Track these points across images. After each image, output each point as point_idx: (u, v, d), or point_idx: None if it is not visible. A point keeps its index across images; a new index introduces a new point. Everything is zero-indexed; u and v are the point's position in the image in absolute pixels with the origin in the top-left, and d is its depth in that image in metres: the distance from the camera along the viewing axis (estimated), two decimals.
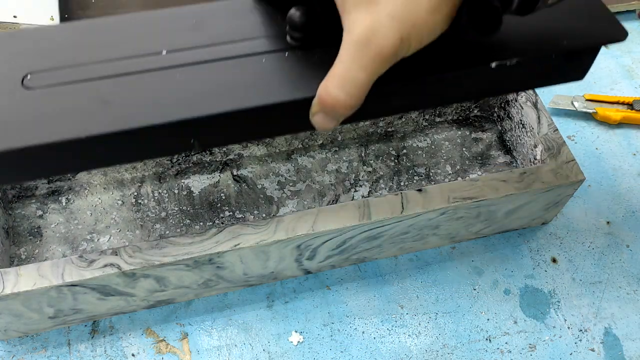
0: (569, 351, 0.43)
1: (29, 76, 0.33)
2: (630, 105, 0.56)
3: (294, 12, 0.33)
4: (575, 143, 0.55)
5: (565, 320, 0.45)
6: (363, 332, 0.43)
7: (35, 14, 0.55)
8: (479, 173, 0.42)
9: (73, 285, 0.36)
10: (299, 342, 0.43)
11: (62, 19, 0.59)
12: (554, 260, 0.48)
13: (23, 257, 0.44)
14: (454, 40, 0.31)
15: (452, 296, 0.45)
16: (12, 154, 0.30)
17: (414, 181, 0.41)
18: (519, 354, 0.43)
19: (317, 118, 0.30)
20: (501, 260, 0.47)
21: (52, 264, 0.37)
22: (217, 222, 0.40)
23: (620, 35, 0.35)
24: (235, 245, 0.38)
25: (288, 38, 0.34)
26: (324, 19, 0.33)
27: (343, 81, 0.28)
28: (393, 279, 0.46)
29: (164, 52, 0.34)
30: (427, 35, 0.28)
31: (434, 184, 0.41)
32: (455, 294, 0.45)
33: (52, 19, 0.55)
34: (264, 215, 0.40)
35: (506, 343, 0.43)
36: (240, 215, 0.39)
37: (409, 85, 0.35)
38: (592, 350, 0.43)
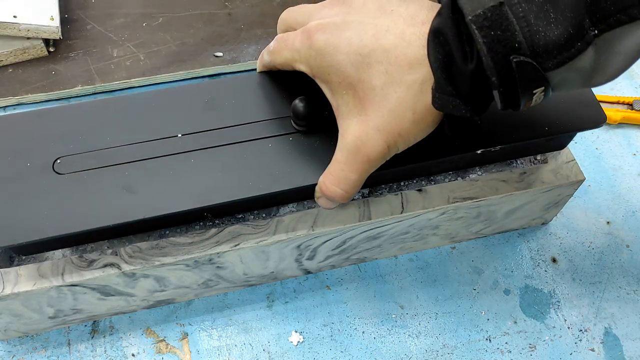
0: (569, 351, 0.43)
1: (59, 160, 0.36)
2: (630, 105, 0.56)
3: (297, 103, 0.36)
4: (575, 143, 0.55)
5: (565, 320, 0.45)
6: (363, 332, 0.43)
7: (35, 14, 0.55)
8: (479, 173, 0.42)
9: (73, 285, 0.36)
10: (299, 342, 0.43)
11: (62, 18, 0.59)
12: (554, 260, 0.48)
13: (23, 257, 0.44)
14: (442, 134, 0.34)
15: (452, 296, 0.45)
16: (44, 241, 0.34)
17: (414, 181, 0.41)
18: (519, 354, 0.43)
19: (320, 201, 0.35)
20: (501, 260, 0.47)
21: (52, 264, 0.37)
22: (217, 222, 0.40)
23: (600, 121, 0.39)
24: (235, 245, 0.38)
25: (292, 123, 0.37)
26: (324, 108, 0.36)
27: (338, 180, 0.33)
28: (393, 279, 0.46)
29: (179, 135, 0.37)
30: (413, 140, 0.32)
31: (434, 184, 0.41)
32: (455, 294, 0.45)
33: (52, 19, 0.55)
34: (263, 215, 0.40)
35: (506, 343, 0.43)
36: (240, 215, 0.39)
37: (401, 171, 0.39)
38: (592, 350, 0.43)
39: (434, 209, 0.40)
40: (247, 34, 0.60)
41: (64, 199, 0.34)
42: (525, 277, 0.46)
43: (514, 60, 0.27)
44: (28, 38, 0.55)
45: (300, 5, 0.37)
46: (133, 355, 0.42)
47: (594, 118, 0.39)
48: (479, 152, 0.37)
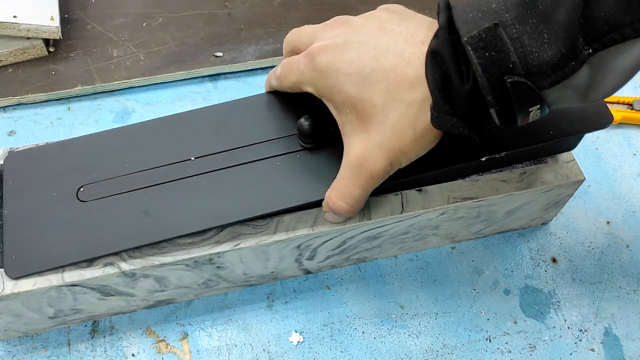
0: (569, 351, 0.43)
1: (82, 189, 0.38)
2: (630, 105, 0.56)
3: (303, 122, 0.37)
4: None
5: (565, 320, 0.45)
6: (363, 332, 0.43)
7: (35, 14, 0.55)
8: (479, 173, 0.42)
9: (73, 285, 0.36)
10: (299, 342, 0.43)
11: (62, 18, 0.59)
12: (554, 260, 0.48)
13: None
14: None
15: (452, 296, 0.45)
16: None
17: None
18: (519, 354, 0.43)
19: (327, 215, 0.37)
20: (501, 260, 0.47)
21: None
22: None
23: (607, 122, 0.39)
24: (235, 245, 0.38)
25: (299, 141, 0.39)
26: (329, 126, 0.38)
27: (343, 195, 0.35)
28: (393, 279, 0.46)
29: (192, 159, 0.39)
30: (414, 156, 0.33)
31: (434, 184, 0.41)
32: (455, 294, 0.45)
33: (52, 19, 0.55)
34: None
35: (506, 343, 0.43)
36: None
37: (407, 181, 0.39)
38: (592, 350, 0.43)
39: (434, 209, 0.40)
40: (247, 34, 0.60)
41: (89, 225, 0.37)
42: (525, 277, 0.46)
43: (509, 80, 0.28)
44: (28, 38, 0.55)
45: (304, 26, 0.37)
46: (133, 355, 0.42)
47: (602, 119, 0.39)
48: (483, 159, 0.38)
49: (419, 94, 0.31)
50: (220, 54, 0.58)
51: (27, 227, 0.37)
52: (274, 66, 0.42)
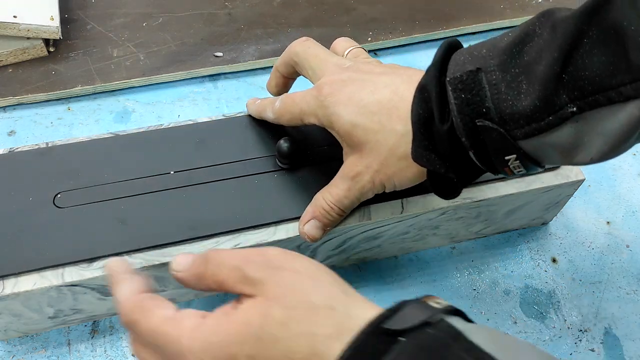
0: (569, 351, 0.43)
1: (59, 195, 0.39)
2: None
3: (282, 144, 0.40)
4: None
5: (565, 320, 0.45)
6: None
7: (35, 14, 0.55)
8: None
9: (73, 285, 0.36)
10: None
11: (62, 18, 0.59)
12: (554, 260, 0.48)
13: None
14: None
15: (452, 296, 0.45)
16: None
17: None
18: None
19: (307, 227, 0.38)
20: (501, 260, 0.47)
21: None
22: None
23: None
24: (235, 246, 0.38)
25: (277, 161, 0.41)
26: (306, 149, 0.42)
27: (336, 200, 0.37)
28: (393, 279, 0.46)
29: (172, 172, 0.40)
30: (398, 185, 0.35)
31: None
32: (455, 294, 0.45)
33: (52, 19, 0.55)
34: None
35: None
36: None
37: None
38: (592, 350, 0.43)
39: (434, 209, 0.40)
40: (247, 34, 0.60)
41: (64, 230, 0.37)
42: (525, 277, 0.46)
43: (479, 124, 0.29)
44: (28, 38, 0.55)
45: (317, 45, 0.39)
46: (133, 355, 0.42)
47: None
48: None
49: (409, 128, 0.32)
50: (220, 54, 0.58)
51: (1, 230, 0.37)
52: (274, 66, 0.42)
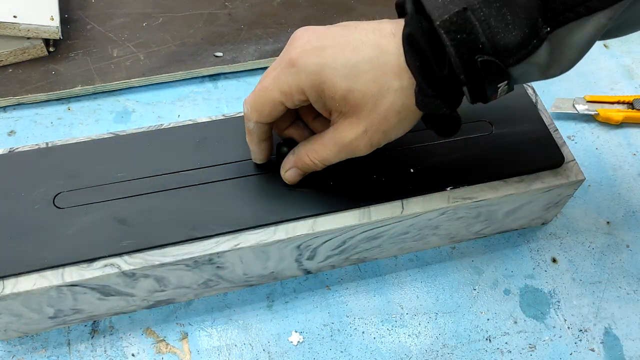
0: (569, 351, 0.43)
1: (59, 195, 0.39)
2: (630, 105, 0.56)
3: (281, 147, 0.40)
4: (575, 143, 0.55)
5: (565, 320, 0.45)
6: (363, 332, 0.43)
7: (35, 14, 0.55)
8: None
9: (73, 285, 0.36)
10: (299, 342, 0.43)
11: (62, 18, 0.59)
12: (554, 260, 0.48)
13: None
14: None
15: (452, 296, 0.45)
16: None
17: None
18: (519, 354, 0.43)
19: (290, 173, 0.39)
20: (501, 260, 0.47)
21: None
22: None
23: (558, 164, 0.43)
24: (235, 245, 0.38)
25: (277, 162, 0.41)
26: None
27: (319, 156, 0.37)
28: (393, 279, 0.46)
29: (172, 172, 0.40)
30: (394, 137, 0.35)
31: None
32: (455, 294, 0.45)
33: (52, 19, 0.55)
34: None
35: (506, 343, 0.43)
36: None
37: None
38: (592, 350, 0.43)
39: (434, 209, 0.40)
40: (247, 34, 0.60)
41: (63, 231, 0.37)
42: (525, 277, 0.46)
43: (479, 59, 0.30)
44: (28, 38, 0.55)
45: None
46: (133, 355, 0.42)
47: (554, 160, 0.43)
48: (448, 189, 0.41)
49: (404, 82, 0.33)
50: (220, 54, 0.58)
51: (1, 230, 0.37)
52: None
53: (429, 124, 0.36)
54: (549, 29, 0.30)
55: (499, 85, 0.32)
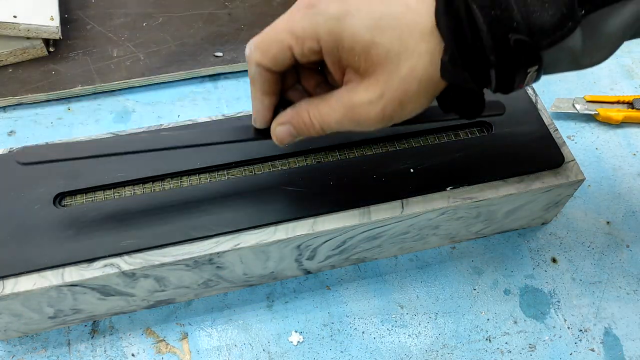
0: (569, 351, 0.43)
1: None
2: (630, 105, 0.56)
3: (276, 108, 0.35)
4: (575, 143, 0.55)
5: (565, 320, 0.45)
6: (363, 332, 0.43)
7: (35, 14, 0.55)
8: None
9: (73, 285, 0.36)
10: (299, 342, 0.43)
11: (62, 18, 0.59)
12: (554, 260, 0.48)
13: None
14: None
15: (452, 296, 0.45)
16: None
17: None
18: (519, 354, 0.43)
19: (280, 128, 0.34)
20: (501, 260, 0.47)
21: None
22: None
23: (557, 164, 0.42)
24: (235, 245, 0.38)
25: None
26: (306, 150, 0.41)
27: (323, 120, 0.33)
28: (393, 279, 0.46)
29: (172, 172, 0.40)
30: (408, 114, 0.32)
31: None
32: (455, 294, 0.45)
33: (52, 19, 0.55)
34: None
35: (506, 343, 0.43)
36: None
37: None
38: (592, 350, 0.43)
39: (434, 209, 0.40)
40: (247, 34, 0.60)
41: (64, 230, 0.37)
42: (525, 277, 0.46)
43: (512, 38, 0.28)
44: (28, 38, 0.55)
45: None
46: (133, 355, 0.42)
47: (554, 161, 0.42)
48: (448, 189, 0.41)
49: (431, 45, 0.29)
50: (220, 54, 0.58)
51: (1, 230, 0.37)
52: None
53: (448, 103, 0.32)
54: (583, 12, 0.28)
55: (528, 71, 0.29)
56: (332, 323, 0.44)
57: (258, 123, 0.35)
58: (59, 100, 0.55)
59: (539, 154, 0.43)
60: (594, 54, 0.30)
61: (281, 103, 0.35)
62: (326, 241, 0.41)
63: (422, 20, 0.29)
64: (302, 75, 0.35)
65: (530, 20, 0.28)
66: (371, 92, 0.31)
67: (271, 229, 0.39)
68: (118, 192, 0.39)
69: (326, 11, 0.30)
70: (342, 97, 0.32)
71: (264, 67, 0.32)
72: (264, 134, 0.36)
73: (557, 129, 0.45)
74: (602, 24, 0.29)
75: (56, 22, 0.55)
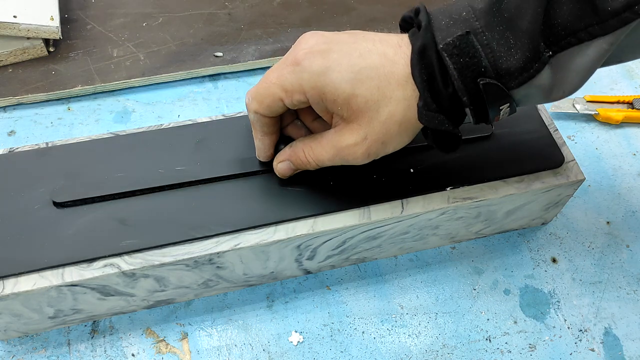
0: (569, 351, 0.43)
1: (59, 195, 0.39)
2: (630, 105, 0.56)
3: (278, 144, 0.39)
4: (575, 143, 0.55)
5: (565, 320, 0.45)
6: (363, 332, 0.43)
7: (35, 14, 0.55)
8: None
9: (73, 285, 0.36)
10: (299, 342, 0.43)
11: (62, 18, 0.59)
12: (554, 260, 0.48)
13: None
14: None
15: (452, 296, 0.45)
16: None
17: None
18: (519, 354, 0.43)
19: (282, 165, 0.39)
20: (501, 260, 0.47)
21: None
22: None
23: (557, 164, 0.43)
24: (235, 245, 0.38)
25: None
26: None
27: (315, 156, 0.37)
28: (393, 279, 0.46)
29: (172, 172, 0.40)
30: (391, 149, 0.35)
31: None
32: (455, 294, 0.45)
33: (52, 19, 0.55)
34: None
35: (506, 343, 0.43)
36: None
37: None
38: (592, 350, 0.43)
39: (434, 209, 0.40)
40: (247, 34, 0.60)
41: (64, 230, 0.37)
42: (525, 277, 0.46)
43: (481, 82, 0.31)
44: (28, 38, 0.55)
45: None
46: (133, 355, 0.42)
47: (554, 161, 0.43)
48: (448, 189, 0.41)
49: (407, 92, 0.33)
50: (220, 54, 0.58)
51: (1, 230, 0.37)
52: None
53: (429, 139, 0.35)
54: (550, 53, 0.30)
55: (501, 107, 0.32)
56: (332, 323, 0.44)
57: (261, 159, 0.40)
58: (59, 100, 0.55)
59: (539, 154, 0.43)
60: (565, 87, 0.32)
61: (281, 139, 0.39)
62: (326, 241, 0.41)
63: (399, 69, 0.33)
64: (300, 112, 0.39)
65: (497, 65, 0.31)
66: (356, 135, 0.34)
67: (271, 229, 0.39)
68: (118, 192, 0.39)
69: (310, 68, 0.33)
70: (332, 139, 0.35)
71: (261, 114, 0.36)
72: (264, 168, 0.40)
73: (557, 129, 0.45)
74: (570, 62, 0.31)
75: (56, 22, 0.55)
